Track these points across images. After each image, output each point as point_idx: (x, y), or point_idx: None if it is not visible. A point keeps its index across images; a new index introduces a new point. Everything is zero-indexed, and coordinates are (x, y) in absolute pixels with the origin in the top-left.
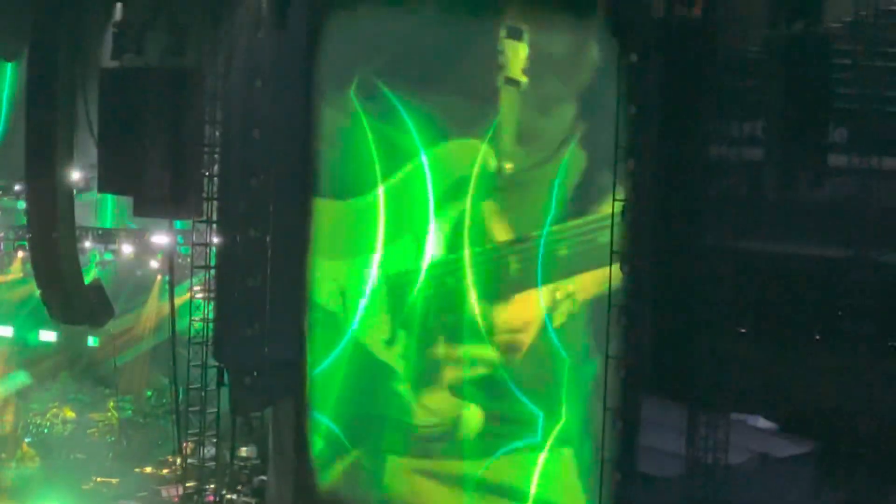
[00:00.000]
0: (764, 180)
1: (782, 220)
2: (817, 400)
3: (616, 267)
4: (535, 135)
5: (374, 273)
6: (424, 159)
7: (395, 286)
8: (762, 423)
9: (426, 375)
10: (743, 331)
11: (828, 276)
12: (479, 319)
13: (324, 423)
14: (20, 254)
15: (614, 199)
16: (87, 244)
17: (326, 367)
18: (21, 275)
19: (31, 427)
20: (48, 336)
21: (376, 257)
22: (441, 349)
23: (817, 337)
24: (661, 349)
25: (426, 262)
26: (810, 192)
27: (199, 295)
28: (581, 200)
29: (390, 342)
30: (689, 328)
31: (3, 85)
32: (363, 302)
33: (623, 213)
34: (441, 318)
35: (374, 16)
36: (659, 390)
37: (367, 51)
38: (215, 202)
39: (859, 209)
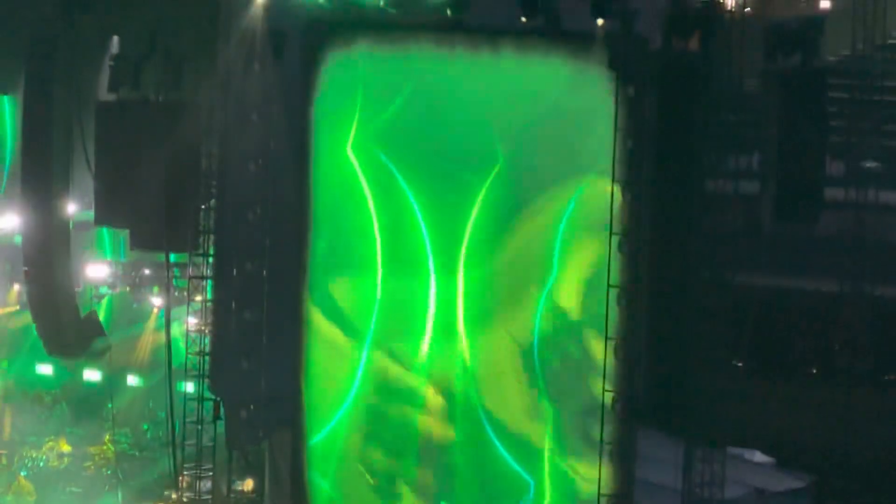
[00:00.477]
0: (760, 214)
1: (778, 253)
2: (814, 434)
3: (613, 299)
4: None
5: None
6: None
7: (528, 354)
8: (759, 457)
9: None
10: (739, 364)
11: (824, 310)
12: None
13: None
14: (16, 286)
15: (611, 234)
16: (84, 277)
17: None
18: (17, 307)
19: (27, 460)
20: (45, 369)
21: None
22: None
23: (813, 371)
24: (657, 383)
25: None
26: (806, 225)
27: (195, 328)
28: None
29: (532, 415)
30: (685, 362)
31: (4, 120)
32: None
33: (620, 247)
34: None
35: (371, 57)
36: (655, 424)
37: (364, 104)
38: (211, 235)
39: (855, 243)
